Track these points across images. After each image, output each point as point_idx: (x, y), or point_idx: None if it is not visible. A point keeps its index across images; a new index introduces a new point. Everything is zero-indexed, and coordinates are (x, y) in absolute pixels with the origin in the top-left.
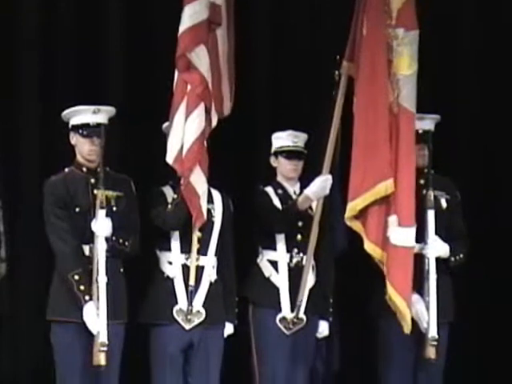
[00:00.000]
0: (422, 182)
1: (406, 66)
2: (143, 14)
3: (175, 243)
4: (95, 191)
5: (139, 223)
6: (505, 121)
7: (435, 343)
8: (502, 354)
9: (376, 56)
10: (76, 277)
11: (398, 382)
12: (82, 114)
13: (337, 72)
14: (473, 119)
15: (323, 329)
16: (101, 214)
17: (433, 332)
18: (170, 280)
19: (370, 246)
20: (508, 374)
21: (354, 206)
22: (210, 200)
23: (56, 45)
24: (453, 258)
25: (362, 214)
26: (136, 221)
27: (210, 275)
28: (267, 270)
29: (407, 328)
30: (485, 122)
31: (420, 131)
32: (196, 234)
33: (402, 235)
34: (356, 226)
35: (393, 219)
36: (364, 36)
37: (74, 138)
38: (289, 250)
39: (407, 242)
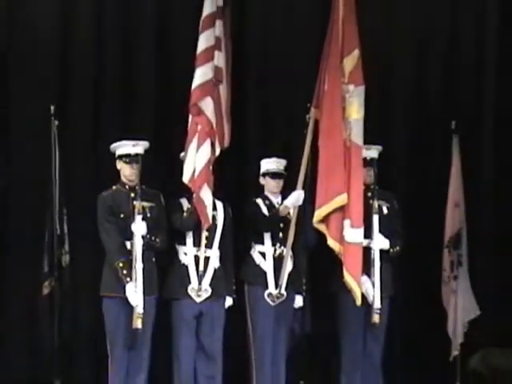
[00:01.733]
0: (369, 194)
1: (355, 112)
2: (168, 75)
3: (189, 240)
4: (134, 202)
5: (166, 225)
6: (428, 148)
7: (379, 311)
8: (424, 318)
9: (334, 105)
10: (120, 264)
11: (352, 340)
12: (124, 147)
13: (308, 116)
14: (405, 149)
15: (298, 301)
16: (138, 218)
17: (377, 304)
18: (185, 266)
19: (331, 242)
20: (427, 332)
21: (319, 213)
22: (215, 208)
23: (102, 98)
24: (392, 250)
25: (325, 219)
26: (164, 224)
27: (215, 263)
28: (258, 258)
29: (358, 301)
30: (414, 151)
31: (368, 158)
32: (204, 233)
33: (353, 234)
34: (321, 227)
35: (347, 222)
36: (326, 90)
37: (119, 164)
38: (273, 244)
39: (357, 239)
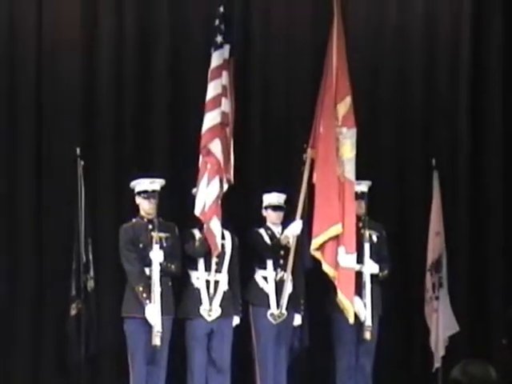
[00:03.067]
0: (360, 224)
1: (348, 151)
2: (181, 120)
3: (201, 265)
4: (152, 233)
5: (180, 253)
6: (412, 183)
7: (370, 329)
8: (410, 334)
9: (329, 145)
10: (140, 288)
11: (346, 354)
12: (143, 184)
13: (305, 155)
14: (391, 184)
15: (297, 319)
16: (156, 248)
17: (368, 322)
18: (198, 289)
19: (326, 268)
20: (412, 347)
21: (316, 242)
22: (223, 237)
23: (123, 141)
24: (381, 274)
25: (321, 247)
26: (178, 252)
27: (224, 286)
28: (261, 282)
29: (351, 319)
30: (400, 185)
31: (359, 192)
32: (214, 260)
33: (348, 259)
34: (317, 254)
35: (341, 249)
36: (321, 132)
37: (138, 199)
38: (275, 269)
39: (351, 264)
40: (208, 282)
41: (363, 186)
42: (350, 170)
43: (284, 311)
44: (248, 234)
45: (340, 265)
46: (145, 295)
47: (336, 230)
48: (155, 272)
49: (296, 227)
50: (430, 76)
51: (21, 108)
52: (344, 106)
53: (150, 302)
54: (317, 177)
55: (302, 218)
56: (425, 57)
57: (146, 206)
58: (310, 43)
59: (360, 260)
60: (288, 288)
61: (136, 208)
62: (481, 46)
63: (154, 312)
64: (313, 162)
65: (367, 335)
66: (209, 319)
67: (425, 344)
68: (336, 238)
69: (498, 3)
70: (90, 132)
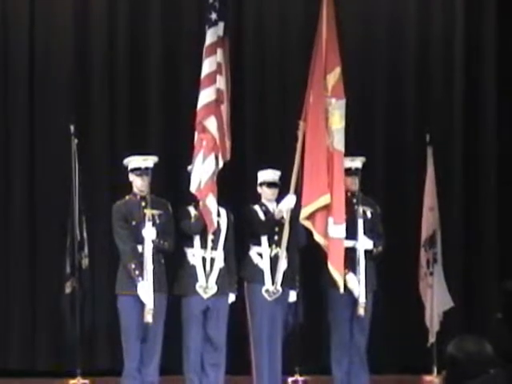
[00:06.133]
0: (354, 200)
1: (337, 122)
2: (175, 97)
3: (196, 243)
4: (145, 210)
5: (173, 230)
6: (406, 158)
7: (364, 305)
8: (404, 310)
9: (318, 116)
10: (133, 265)
11: (340, 330)
12: (135, 161)
13: (298, 131)
14: (385, 160)
15: (292, 295)
16: (148, 224)
17: (362, 298)
18: (194, 267)
19: (317, 237)
20: (407, 322)
21: (305, 211)
22: (219, 214)
23: (117, 118)
24: (375, 250)
25: (311, 216)
26: (171, 229)
27: (219, 263)
28: (256, 258)
29: (341, 289)
30: (394, 161)
31: (353, 168)
32: (210, 237)
33: (336, 230)
34: (307, 224)
35: (331, 220)
36: (311, 103)
37: (131, 177)
38: (269, 246)
39: (339, 234)
40: (204, 259)
41: (357, 162)
42: (338, 141)
43: (279, 287)
44: (243, 211)
45: (329, 235)
46: (137, 272)
47: (325, 200)
48: (148, 249)
49: (289, 201)
50: (424, 51)
51: (14, 86)
52: (333, 77)
53: (143, 279)
54: (307, 147)
55: (295, 192)
56: (419, 31)
57: (138, 183)
58: (303, 20)
59: (354, 236)
60: (283, 264)
61: (129, 185)
62: (475, 26)
63: (146, 289)
64: (305, 135)
65: (361, 311)
66: (205, 296)
67: (419, 320)
68: (325, 208)
69: None
70: (84, 110)
